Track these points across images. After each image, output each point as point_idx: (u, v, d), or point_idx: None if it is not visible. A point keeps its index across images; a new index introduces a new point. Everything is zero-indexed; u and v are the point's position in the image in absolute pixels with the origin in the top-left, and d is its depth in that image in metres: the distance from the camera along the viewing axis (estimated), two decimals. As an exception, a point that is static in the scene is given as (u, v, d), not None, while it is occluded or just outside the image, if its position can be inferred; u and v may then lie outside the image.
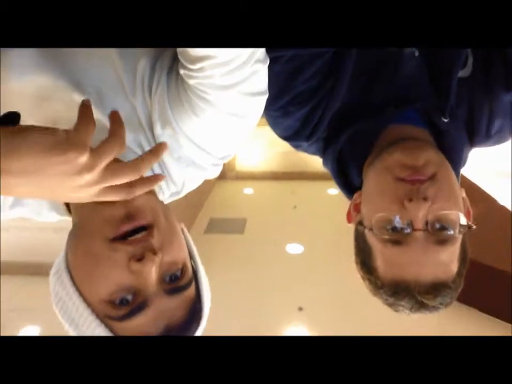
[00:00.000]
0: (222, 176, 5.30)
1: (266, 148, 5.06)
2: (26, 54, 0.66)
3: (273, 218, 4.49)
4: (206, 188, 4.95)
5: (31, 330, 2.96)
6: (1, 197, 0.72)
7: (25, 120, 0.69)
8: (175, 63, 0.68)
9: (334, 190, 4.70)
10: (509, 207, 1.14)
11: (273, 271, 3.70)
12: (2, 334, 2.87)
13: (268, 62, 0.66)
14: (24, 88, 0.68)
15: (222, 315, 2.97)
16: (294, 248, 4.04)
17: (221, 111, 0.65)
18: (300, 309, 3.37)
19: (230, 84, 0.62)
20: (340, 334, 1.80)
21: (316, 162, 0.94)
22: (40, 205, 0.74)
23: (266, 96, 0.68)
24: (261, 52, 0.63)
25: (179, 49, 0.62)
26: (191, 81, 0.63)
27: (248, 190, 5.16)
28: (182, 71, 0.63)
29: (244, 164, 5.32)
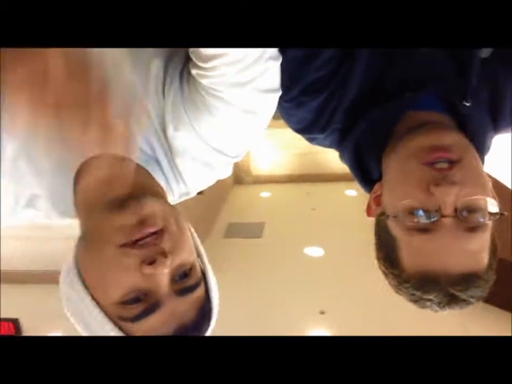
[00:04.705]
0: (239, 181, 5.29)
1: (281, 151, 5.04)
2: None
3: (291, 221, 4.47)
4: (224, 193, 4.95)
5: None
6: (15, 195, 0.72)
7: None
8: (187, 63, 0.68)
9: (352, 191, 4.64)
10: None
11: (293, 274, 3.66)
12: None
13: (280, 59, 0.65)
14: None
15: (242, 319, 2.94)
16: (314, 251, 4.00)
17: (235, 109, 0.65)
18: (322, 312, 3.33)
19: (243, 82, 0.62)
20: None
21: (332, 163, 0.92)
22: (51, 207, 0.74)
23: (279, 94, 0.68)
24: (273, 49, 0.63)
25: (191, 49, 0.62)
26: (204, 81, 0.63)
27: (265, 194, 5.14)
28: (194, 71, 0.63)
29: (260, 168, 5.31)
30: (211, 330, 0.63)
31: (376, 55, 0.77)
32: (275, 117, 0.85)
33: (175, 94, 0.68)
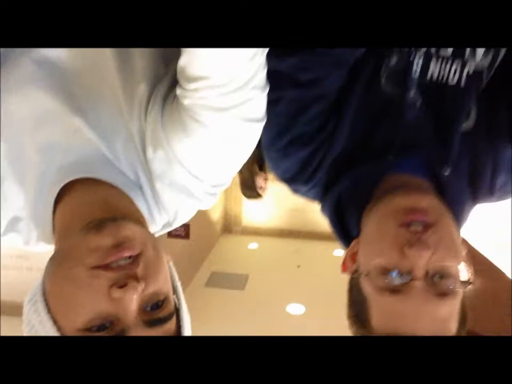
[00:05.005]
0: (228, 230, 5.26)
1: (274, 205, 5.06)
2: (26, 72, 0.67)
3: (275, 276, 4.41)
4: (210, 240, 4.91)
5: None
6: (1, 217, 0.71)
7: (24, 143, 0.70)
8: (173, 87, 0.68)
9: (339, 252, 4.63)
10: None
11: (272, 330, 3.57)
12: None
13: (267, 89, 0.66)
14: (24, 109, 0.68)
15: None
16: (295, 308, 3.93)
17: (213, 134, 0.65)
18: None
19: (224, 107, 0.62)
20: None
21: (323, 222, 0.92)
22: (30, 232, 0.73)
23: (262, 124, 0.68)
24: (259, 79, 0.63)
25: (179, 67, 0.63)
26: (186, 101, 0.63)
27: (253, 246, 5.10)
28: (178, 91, 0.64)
29: (251, 219, 5.30)
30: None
31: (363, 115, 0.80)
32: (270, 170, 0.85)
33: (155, 115, 0.67)
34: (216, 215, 4.91)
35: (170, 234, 0.78)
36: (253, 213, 5.26)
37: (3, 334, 2.97)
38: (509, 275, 1.09)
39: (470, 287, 0.70)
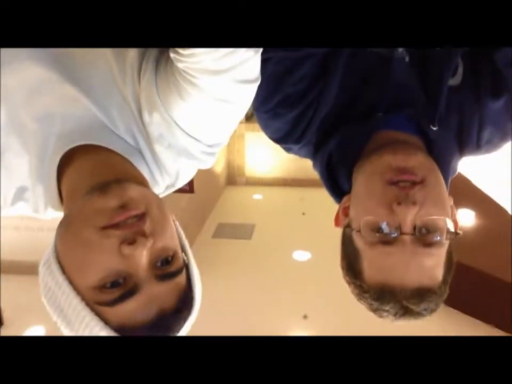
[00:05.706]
0: (232, 182, 5.31)
1: (276, 154, 5.06)
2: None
3: (281, 224, 4.49)
4: (216, 192, 4.97)
5: (36, 330, 3.01)
6: (2, 192, 0.74)
7: (21, 115, 0.71)
8: (165, 50, 0.68)
9: (343, 198, 4.68)
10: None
11: (280, 277, 3.69)
12: (8, 334, 2.93)
13: (261, 50, 0.66)
14: (16, 80, 0.69)
15: (226, 320, 2.96)
16: (301, 255, 4.03)
17: (209, 96, 0.65)
18: (305, 316, 3.36)
19: (220, 70, 0.62)
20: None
21: None
22: (37, 200, 0.75)
23: (257, 84, 0.68)
24: None
25: None
26: (180, 65, 0.63)
27: (258, 196, 5.16)
28: (172, 54, 0.64)
29: (254, 170, 5.33)
30: (193, 325, 0.63)
31: (352, 74, 0.81)
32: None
33: (149, 77, 0.68)
34: (219, 168, 4.94)
35: (175, 189, 0.81)
36: (257, 163, 5.28)
37: (11, 292, 3.09)
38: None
39: (456, 237, 0.74)
